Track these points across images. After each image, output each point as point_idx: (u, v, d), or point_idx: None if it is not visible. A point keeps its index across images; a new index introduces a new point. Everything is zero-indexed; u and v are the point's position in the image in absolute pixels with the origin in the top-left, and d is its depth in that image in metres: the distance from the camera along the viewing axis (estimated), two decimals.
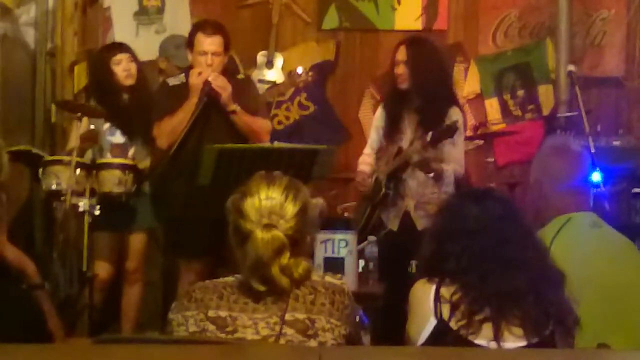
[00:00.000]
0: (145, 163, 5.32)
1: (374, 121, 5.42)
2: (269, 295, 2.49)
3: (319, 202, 4.91)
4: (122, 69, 5.40)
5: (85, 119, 5.35)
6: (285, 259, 2.48)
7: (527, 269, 2.60)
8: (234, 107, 5.02)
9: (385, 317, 4.51)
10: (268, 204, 2.50)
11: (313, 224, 2.65)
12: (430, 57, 5.10)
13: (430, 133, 4.72)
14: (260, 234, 2.47)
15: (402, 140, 5.08)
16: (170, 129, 5.01)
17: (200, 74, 4.97)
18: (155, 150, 5.23)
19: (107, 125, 5.40)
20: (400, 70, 5.02)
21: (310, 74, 5.77)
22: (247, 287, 2.51)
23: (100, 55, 5.62)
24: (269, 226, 2.48)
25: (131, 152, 5.32)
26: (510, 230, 2.65)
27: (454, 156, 5.01)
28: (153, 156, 5.29)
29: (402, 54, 5.03)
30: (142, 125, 5.27)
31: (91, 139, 5.32)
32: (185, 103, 4.98)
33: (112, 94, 5.40)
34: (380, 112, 5.31)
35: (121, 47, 5.57)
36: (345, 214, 6.25)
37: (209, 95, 4.96)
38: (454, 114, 4.95)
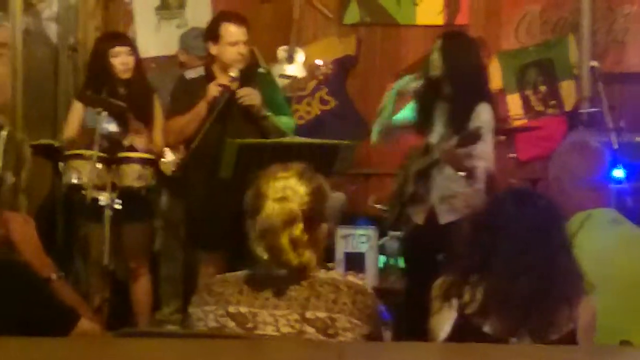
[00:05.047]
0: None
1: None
2: (276, 280, 2.49)
3: (340, 196, 4.92)
4: (120, 62, 5.27)
5: (80, 108, 5.34)
6: (297, 230, 2.47)
7: (551, 270, 2.59)
8: (265, 113, 5.01)
9: (408, 311, 4.50)
10: (282, 183, 2.52)
11: (331, 213, 2.64)
12: (464, 46, 5.09)
13: (454, 138, 4.70)
14: (271, 205, 2.48)
15: (432, 132, 5.04)
16: (178, 129, 5.01)
17: (220, 86, 4.94)
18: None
19: (103, 115, 5.35)
20: (435, 57, 5.02)
21: (330, 66, 5.75)
22: (259, 277, 2.52)
23: (99, 46, 5.47)
24: (282, 199, 2.49)
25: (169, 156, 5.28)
26: (539, 234, 2.64)
27: (485, 152, 4.96)
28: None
29: (437, 42, 5.05)
30: (138, 117, 5.25)
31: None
32: (195, 108, 4.96)
33: (108, 85, 5.31)
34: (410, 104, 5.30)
35: (121, 39, 5.46)
36: (374, 205, 6.19)
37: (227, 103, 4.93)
38: (482, 111, 4.88)
